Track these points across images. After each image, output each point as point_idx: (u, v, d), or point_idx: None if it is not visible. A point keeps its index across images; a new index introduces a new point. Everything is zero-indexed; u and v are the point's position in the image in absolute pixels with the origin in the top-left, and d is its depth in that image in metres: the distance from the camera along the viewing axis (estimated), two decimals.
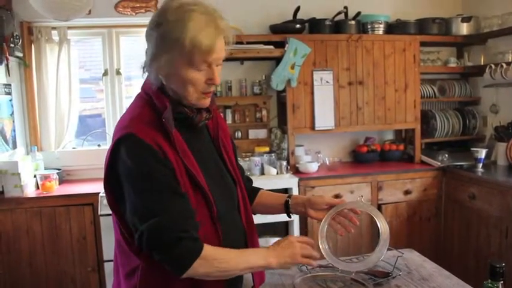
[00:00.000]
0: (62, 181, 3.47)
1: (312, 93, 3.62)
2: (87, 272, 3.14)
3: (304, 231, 3.41)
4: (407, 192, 3.60)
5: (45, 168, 3.50)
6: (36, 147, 3.56)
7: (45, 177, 3.22)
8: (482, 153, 3.49)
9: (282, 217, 3.23)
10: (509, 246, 2.98)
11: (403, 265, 1.85)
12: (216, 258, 1.20)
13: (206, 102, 1.31)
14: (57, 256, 3.11)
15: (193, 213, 1.21)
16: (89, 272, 3.14)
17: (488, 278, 1.06)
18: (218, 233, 1.28)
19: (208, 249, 1.20)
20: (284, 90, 3.62)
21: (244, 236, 1.43)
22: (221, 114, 1.56)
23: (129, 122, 1.23)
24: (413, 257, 1.96)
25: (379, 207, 3.55)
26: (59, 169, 3.52)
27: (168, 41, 1.19)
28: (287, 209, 1.60)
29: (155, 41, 1.21)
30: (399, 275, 1.74)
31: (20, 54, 3.39)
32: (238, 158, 1.69)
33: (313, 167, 3.55)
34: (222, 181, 1.39)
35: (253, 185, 1.69)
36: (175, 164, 1.20)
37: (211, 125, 1.45)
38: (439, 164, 3.68)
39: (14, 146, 3.40)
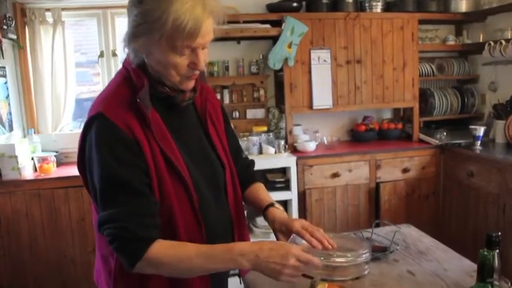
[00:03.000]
0: (59, 163, 3.47)
1: (310, 72, 3.59)
2: (87, 253, 3.15)
3: (303, 211, 3.42)
4: (405, 171, 3.60)
5: (43, 151, 3.49)
6: (33, 130, 3.55)
7: (43, 160, 3.22)
8: (480, 131, 3.48)
9: (281, 196, 3.24)
10: (506, 223, 2.99)
11: (401, 240, 1.85)
12: (163, 263, 1.10)
13: (189, 84, 1.21)
14: (57, 238, 3.12)
15: (149, 211, 1.11)
16: (89, 253, 3.15)
17: (484, 248, 1.05)
18: (199, 222, 1.20)
19: (155, 252, 1.09)
20: (281, 70, 3.59)
21: (231, 225, 1.36)
22: (211, 89, 1.44)
23: (102, 100, 1.16)
24: (411, 232, 1.96)
25: (377, 186, 3.56)
26: (56, 152, 3.51)
27: (148, 22, 1.08)
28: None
29: (134, 19, 1.11)
30: (397, 249, 1.74)
31: (14, 36, 3.35)
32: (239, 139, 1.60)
33: (311, 146, 3.55)
34: (206, 165, 1.29)
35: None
36: (148, 150, 1.12)
37: (198, 102, 1.34)
38: (437, 142, 3.67)
39: (11, 129, 3.38)
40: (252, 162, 1.58)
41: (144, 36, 1.10)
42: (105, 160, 1.09)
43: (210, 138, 1.32)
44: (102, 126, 1.10)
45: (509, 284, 1.13)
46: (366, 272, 1.21)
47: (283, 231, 1.30)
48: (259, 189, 1.51)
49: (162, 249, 1.10)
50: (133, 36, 1.12)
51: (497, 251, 1.06)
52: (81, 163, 1.17)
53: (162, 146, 1.14)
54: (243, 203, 1.46)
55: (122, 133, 1.09)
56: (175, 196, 1.16)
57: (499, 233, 1.08)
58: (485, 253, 0.97)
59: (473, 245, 3.25)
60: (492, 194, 3.13)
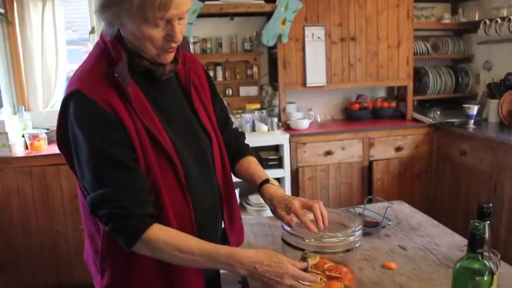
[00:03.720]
0: (50, 141, 3.43)
1: (303, 49, 3.56)
2: (79, 231, 3.14)
3: (295, 189, 3.43)
4: (398, 149, 3.60)
5: (34, 128, 3.45)
6: (23, 107, 3.50)
7: (34, 137, 3.18)
8: (474, 109, 3.48)
9: (274, 174, 3.23)
10: (497, 201, 3.01)
11: (393, 216, 1.85)
12: (163, 251, 1.08)
13: (168, 57, 1.14)
14: (49, 215, 3.11)
15: (141, 187, 1.08)
16: (81, 230, 3.13)
17: (475, 218, 1.05)
18: (187, 200, 1.17)
19: (156, 237, 1.07)
20: (275, 47, 3.55)
21: (220, 201, 1.32)
22: (195, 57, 1.38)
23: (80, 75, 1.10)
24: (403, 209, 1.97)
25: (370, 164, 3.56)
26: (47, 129, 3.47)
27: None
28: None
29: None
30: (388, 224, 1.74)
31: (2, 11, 3.28)
32: (230, 115, 1.55)
33: (305, 124, 3.53)
34: (192, 139, 1.24)
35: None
36: (131, 125, 1.08)
37: (182, 73, 1.27)
38: (430, 120, 3.67)
39: (0, 106, 3.34)
40: (242, 134, 1.53)
41: (115, 6, 1.04)
42: (89, 139, 1.04)
43: (195, 110, 1.27)
44: (80, 104, 1.05)
45: (499, 257, 1.13)
46: (357, 245, 1.20)
47: (283, 207, 1.27)
48: (251, 163, 1.46)
49: (163, 236, 1.08)
50: (105, 5, 1.06)
51: (488, 222, 1.06)
52: (63, 143, 1.11)
53: (144, 121, 1.10)
54: (233, 178, 1.42)
55: (102, 110, 1.05)
56: (161, 172, 1.12)
57: (491, 205, 1.08)
58: (476, 223, 0.97)
59: (464, 223, 3.27)
60: (484, 172, 3.14)
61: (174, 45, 1.12)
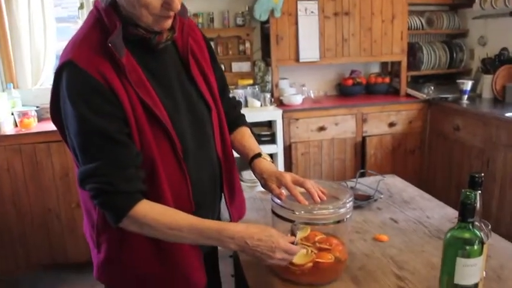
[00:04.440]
0: (40, 119, 3.38)
1: (296, 23, 3.50)
2: (71, 209, 3.12)
3: (288, 165, 3.42)
4: (392, 125, 3.59)
5: (23, 106, 3.40)
6: (11, 84, 3.44)
7: (23, 114, 3.13)
8: (467, 85, 3.46)
9: (266, 149, 3.21)
10: (489, 176, 3.01)
11: (385, 189, 1.85)
12: (150, 227, 1.05)
13: (164, 25, 1.09)
14: (40, 194, 3.08)
15: (131, 163, 1.05)
16: (73, 208, 3.12)
17: (467, 188, 1.04)
18: (184, 174, 1.14)
19: (143, 214, 1.05)
20: (268, 21, 3.50)
21: (220, 174, 1.29)
22: (193, 22, 1.32)
23: (72, 46, 1.06)
24: (395, 182, 1.96)
25: (363, 140, 3.55)
26: (37, 106, 3.42)
27: None
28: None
29: None
30: (380, 198, 1.74)
31: None
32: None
33: (298, 100, 3.51)
34: (191, 109, 1.19)
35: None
36: (125, 97, 1.04)
37: (179, 41, 1.21)
38: (424, 96, 3.65)
39: None
40: (239, 104, 1.49)
41: None
42: (79, 111, 1.01)
43: (194, 79, 1.22)
44: (73, 74, 1.01)
45: (489, 227, 1.12)
46: (348, 216, 1.19)
47: (274, 181, 1.25)
48: (245, 134, 1.42)
49: (151, 212, 1.05)
50: None
51: (480, 192, 1.05)
52: (56, 116, 1.09)
53: (139, 92, 1.06)
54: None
55: (95, 81, 1.01)
56: (157, 146, 1.09)
57: (482, 174, 1.06)
58: (468, 193, 0.95)
59: (457, 198, 3.26)
60: (477, 148, 3.14)
61: (172, 13, 1.07)
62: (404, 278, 1.21)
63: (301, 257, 1.18)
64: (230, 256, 1.51)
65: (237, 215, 1.39)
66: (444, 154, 3.51)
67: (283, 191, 1.22)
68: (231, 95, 1.48)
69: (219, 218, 1.37)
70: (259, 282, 1.22)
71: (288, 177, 1.23)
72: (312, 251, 1.20)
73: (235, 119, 1.44)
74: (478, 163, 3.14)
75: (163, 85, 1.14)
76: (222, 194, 1.33)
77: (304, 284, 1.19)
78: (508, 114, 2.91)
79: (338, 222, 1.17)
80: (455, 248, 0.98)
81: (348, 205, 1.18)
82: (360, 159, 3.57)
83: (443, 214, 1.61)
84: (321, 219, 1.16)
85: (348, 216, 1.19)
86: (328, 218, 1.16)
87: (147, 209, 1.05)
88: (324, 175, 3.50)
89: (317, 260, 1.17)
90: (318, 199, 1.19)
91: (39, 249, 3.11)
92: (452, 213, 1.62)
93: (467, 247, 0.97)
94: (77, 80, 1.01)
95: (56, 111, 1.08)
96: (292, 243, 1.09)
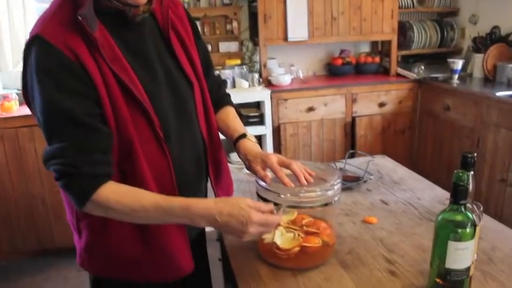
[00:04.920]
0: (22, 102, 3.29)
1: (285, 2, 3.42)
2: (57, 193, 3.05)
3: (277, 146, 3.37)
4: (382, 105, 3.55)
5: (4, 89, 3.31)
6: None
7: (4, 97, 3.04)
8: (458, 64, 3.42)
9: (255, 131, 3.17)
10: (479, 156, 2.99)
11: (375, 170, 1.81)
12: (114, 210, 0.99)
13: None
14: (24, 179, 3.00)
15: (99, 148, 0.98)
16: (59, 193, 3.04)
17: (459, 168, 1.00)
18: (165, 154, 1.07)
19: (105, 197, 0.98)
20: (255, 0, 3.41)
21: (205, 155, 1.23)
22: None
23: (42, 21, 0.99)
24: (385, 163, 1.92)
25: (353, 120, 3.51)
26: (18, 89, 3.33)
27: None
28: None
29: None
30: (370, 179, 1.70)
31: None
32: None
33: (286, 80, 3.45)
34: (171, 86, 1.13)
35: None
36: (97, 74, 0.97)
37: (159, 13, 1.15)
38: (415, 76, 3.61)
39: None
40: (224, 83, 1.44)
41: None
42: (45, 89, 0.94)
43: (175, 54, 1.15)
44: (40, 49, 0.94)
45: (481, 209, 1.09)
46: (336, 198, 1.14)
47: (259, 162, 1.19)
48: (229, 114, 1.36)
49: (113, 195, 0.99)
50: None
51: (472, 172, 1.00)
52: (27, 94, 1.02)
53: (114, 69, 0.99)
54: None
55: (63, 56, 0.94)
56: (134, 125, 1.03)
57: (475, 154, 1.02)
58: (460, 173, 0.91)
59: (447, 178, 3.25)
60: (467, 127, 3.11)
61: None
62: (395, 262, 1.17)
63: (287, 241, 1.14)
64: (217, 240, 1.46)
65: (224, 196, 1.34)
66: (434, 134, 3.49)
67: (269, 173, 1.16)
68: (216, 74, 1.42)
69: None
70: (244, 267, 1.17)
71: (274, 158, 1.17)
72: (298, 235, 1.15)
73: (220, 99, 1.38)
74: (468, 143, 3.12)
75: (141, 60, 1.07)
76: (208, 176, 1.28)
77: (290, 269, 1.14)
78: (498, 94, 2.88)
79: (326, 205, 1.12)
80: (447, 231, 0.94)
81: (335, 187, 1.13)
82: (349, 139, 3.54)
83: (433, 195, 1.57)
84: (307, 202, 1.11)
85: (336, 198, 1.15)
86: (315, 200, 1.11)
87: (109, 192, 0.99)
88: (313, 156, 3.46)
89: (304, 244, 1.13)
90: (305, 181, 1.14)
91: (26, 235, 3.05)
92: (443, 194, 1.59)
93: (459, 230, 0.93)
94: (43, 54, 0.94)
95: (25, 89, 1.01)
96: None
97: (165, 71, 1.12)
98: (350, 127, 3.52)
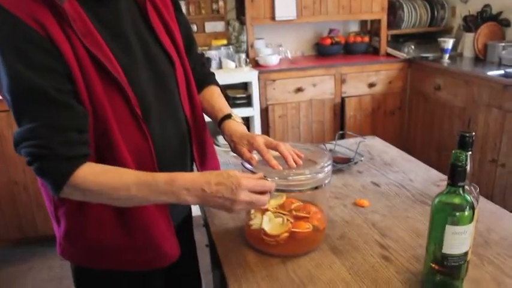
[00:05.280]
0: None
1: None
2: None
3: (265, 128, 3.31)
4: (371, 85, 3.49)
5: None
6: None
7: None
8: (449, 43, 3.36)
9: (242, 113, 3.09)
10: None
11: (366, 151, 1.76)
12: (92, 192, 0.91)
13: None
14: (5, 166, 2.91)
15: (74, 125, 0.90)
16: None
17: (457, 149, 0.94)
18: (145, 135, 1.00)
19: (83, 177, 0.90)
20: None
21: (189, 135, 1.16)
22: None
23: None
24: (375, 144, 1.87)
25: (342, 101, 3.45)
26: None
27: None
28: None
29: None
30: (361, 160, 1.65)
31: None
32: None
33: (274, 60, 3.37)
34: (150, 63, 1.06)
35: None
36: (68, 49, 0.89)
37: None
38: (404, 55, 3.55)
39: None
40: (208, 61, 1.37)
41: None
42: (10, 64, 0.86)
43: (153, 29, 1.08)
44: (3, 21, 0.86)
45: (478, 190, 1.04)
46: (327, 181, 1.09)
47: (245, 144, 1.12)
48: (213, 94, 1.29)
49: (91, 176, 0.91)
50: None
51: (470, 152, 0.94)
52: None
53: (86, 43, 0.91)
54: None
55: (28, 28, 0.86)
56: (110, 105, 0.95)
57: (473, 133, 0.96)
58: (459, 154, 0.85)
59: (437, 159, 3.24)
60: (458, 107, 3.07)
61: None
62: (388, 247, 1.13)
63: (276, 226, 1.08)
64: (203, 225, 1.40)
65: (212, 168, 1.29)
66: (425, 114, 3.44)
67: (255, 155, 1.10)
68: (199, 52, 1.34)
69: None
70: (231, 254, 1.12)
71: (260, 139, 1.11)
72: (287, 220, 1.10)
73: (204, 78, 1.31)
74: (459, 123, 3.08)
75: (116, 35, 1.00)
76: (193, 158, 1.22)
77: (279, 256, 1.09)
78: (490, 73, 2.83)
79: (316, 188, 1.06)
80: (444, 214, 0.89)
81: (326, 169, 1.07)
82: (339, 121, 3.48)
83: (426, 177, 1.53)
84: (297, 185, 1.05)
85: (327, 181, 1.09)
86: (304, 184, 1.05)
87: (87, 173, 0.91)
88: (302, 138, 3.40)
89: (293, 229, 1.07)
90: (293, 163, 1.07)
91: (8, 224, 2.97)
92: (436, 175, 1.54)
93: (457, 213, 0.88)
94: (6, 27, 0.86)
95: None
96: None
97: (142, 46, 1.05)
98: (339, 108, 3.46)
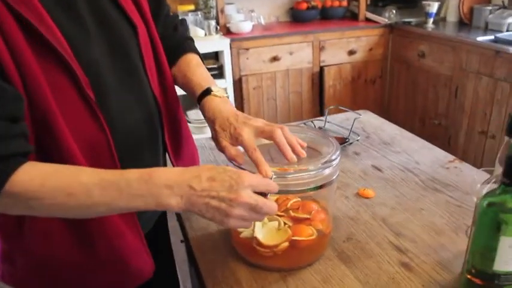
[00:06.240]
0: None
1: None
2: None
3: (239, 101, 3.06)
4: (351, 53, 3.28)
5: None
6: None
7: None
8: (433, 6, 3.17)
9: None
10: (457, 107, 2.81)
11: (359, 129, 1.55)
12: (40, 200, 0.66)
13: None
14: None
15: (5, 111, 0.66)
16: None
17: (506, 134, 0.73)
18: (100, 122, 0.76)
19: (24, 182, 0.65)
20: None
21: (159, 118, 0.93)
22: None
23: None
24: (369, 119, 1.66)
25: (321, 70, 3.23)
26: None
27: None
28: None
29: None
30: (357, 140, 1.44)
31: None
32: None
33: (247, 27, 3.12)
34: (105, 30, 0.81)
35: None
36: None
37: None
38: (386, 20, 3.35)
39: None
40: (183, 23, 1.08)
41: None
42: None
43: None
44: None
45: None
46: (335, 177, 0.86)
47: (227, 137, 0.86)
48: (190, 63, 1.02)
49: (37, 178, 0.67)
50: None
51: None
52: None
53: (15, 6, 0.66)
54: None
55: None
56: (50, 85, 0.70)
57: None
58: None
59: (421, 129, 3.09)
60: (444, 75, 2.90)
61: None
62: (406, 250, 0.93)
63: (271, 233, 0.87)
64: (181, 241, 1.14)
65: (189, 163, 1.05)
66: (407, 83, 3.27)
67: (242, 149, 0.85)
68: (171, 14, 1.08)
69: None
70: (217, 270, 0.89)
71: (247, 133, 0.84)
72: (285, 224, 0.88)
73: (177, 44, 1.04)
74: (445, 92, 2.91)
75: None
76: (165, 147, 0.97)
77: (277, 270, 0.87)
78: (479, 39, 2.65)
79: (321, 187, 0.84)
80: (495, 220, 0.69)
81: (334, 163, 0.84)
82: (317, 91, 3.28)
83: (433, 158, 1.33)
84: (298, 185, 0.82)
85: (335, 177, 0.86)
86: (308, 182, 0.82)
87: (28, 175, 0.66)
88: (279, 111, 3.19)
89: (294, 237, 0.85)
90: (293, 157, 0.83)
91: None
92: (443, 156, 1.35)
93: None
94: None
95: None
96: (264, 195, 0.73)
97: (94, 11, 0.79)
98: (318, 77, 3.25)
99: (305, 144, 0.87)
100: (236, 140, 0.84)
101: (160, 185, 0.67)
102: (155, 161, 0.94)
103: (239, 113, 0.89)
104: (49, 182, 0.66)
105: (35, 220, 0.76)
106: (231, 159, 0.83)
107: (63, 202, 0.67)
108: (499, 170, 0.75)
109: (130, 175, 0.68)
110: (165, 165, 0.99)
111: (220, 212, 0.68)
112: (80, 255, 0.81)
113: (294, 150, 0.83)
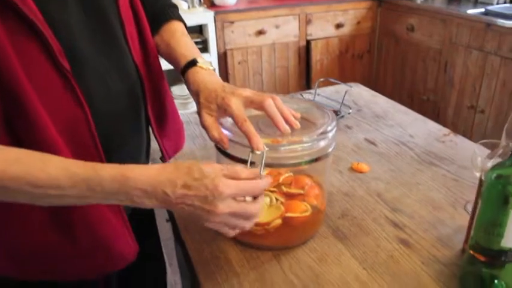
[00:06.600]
0: None
1: None
2: None
3: (224, 75, 2.98)
4: (339, 26, 3.21)
5: None
6: None
7: None
8: None
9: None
10: (447, 82, 2.76)
11: (351, 102, 1.50)
12: (1, 186, 0.59)
13: None
14: None
15: None
16: None
17: None
18: (77, 97, 0.68)
19: None
20: None
21: (142, 91, 0.85)
22: None
23: None
24: (360, 92, 1.62)
25: (308, 44, 3.16)
26: None
27: None
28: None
29: None
30: (348, 113, 1.39)
31: None
32: None
33: None
34: None
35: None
36: None
37: None
38: None
39: None
40: None
41: None
42: None
43: None
44: None
45: None
46: (330, 149, 0.81)
47: (214, 110, 0.78)
48: (174, 33, 0.94)
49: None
50: None
51: None
52: None
53: None
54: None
55: None
56: (18, 55, 0.62)
57: None
58: None
59: (410, 104, 3.03)
60: (433, 49, 2.85)
61: None
62: (404, 226, 0.89)
63: (263, 211, 0.80)
64: (167, 220, 1.09)
65: (172, 148, 0.98)
66: (396, 58, 3.22)
67: (230, 120, 0.79)
68: None
69: (147, 159, 0.94)
70: (206, 251, 0.84)
71: (235, 104, 0.76)
72: (277, 200, 0.83)
73: (160, 11, 0.96)
74: (434, 67, 2.87)
75: None
76: (148, 122, 0.90)
77: (270, 249, 0.83)
78: (470, 12, 2.59)
79: (316, 160, 0.78)
80: (504, 194, 0.64)
81: (330, 134, 0.79)
82: (304, 65, 3.20)
83: (427, 131, 1.29)
84: (291, 158, 0.76)
85: (331, 149, 0.81)
86: (302, 155, 0.76)
87: None
88: (265, 85, 3.11)
89: (287, 214, 0.80)
90: (286, 127, 0.77)
91: None
92: (437, 129, 1.31)
93: None
94: None
95: None
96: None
97: None
98: (304, 51, 3.17)
99: (299, 115, 0.80)
100: (224, 111, 0.77)
101: (135, 187, 0.61)
102: (138, 137, 0.87)
103: (226, 84, 0.82)
104: (12, 169, 0.59)
105: (10, 203, 0.69)
106: (216, 142, 0.77)
107: (25, 192, 0.60)
108: (505, 141, 0.70)
109: (103, 173, 0.61)
110: (148, 140, 0.93)
111: (198, 217, 0.64)
112: (60, 242, 0.74)
113: (286, 121, 0.77)
